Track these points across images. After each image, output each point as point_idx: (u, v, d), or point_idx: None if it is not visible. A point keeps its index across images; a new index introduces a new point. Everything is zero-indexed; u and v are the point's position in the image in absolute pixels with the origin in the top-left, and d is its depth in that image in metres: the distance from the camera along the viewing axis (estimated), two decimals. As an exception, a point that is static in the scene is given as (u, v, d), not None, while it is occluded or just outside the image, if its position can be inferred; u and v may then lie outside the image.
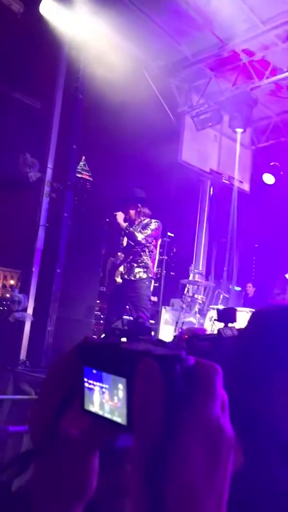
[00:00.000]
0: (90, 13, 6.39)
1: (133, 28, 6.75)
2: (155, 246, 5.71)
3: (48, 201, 6.38)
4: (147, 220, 5.64)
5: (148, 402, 0.38)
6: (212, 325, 6.12)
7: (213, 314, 6.54)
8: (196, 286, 7.91)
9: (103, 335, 5.60)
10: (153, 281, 5.79)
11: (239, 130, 8.00)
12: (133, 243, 5.53)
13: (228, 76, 7.95)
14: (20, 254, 6.39)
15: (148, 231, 5.51)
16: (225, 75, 7.95)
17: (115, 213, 5.66)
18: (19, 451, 4.52)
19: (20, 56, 6.43)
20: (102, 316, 9.23)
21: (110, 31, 6.63)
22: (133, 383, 0.39)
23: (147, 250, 5.54)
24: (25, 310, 5.93)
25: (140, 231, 5.49)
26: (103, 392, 0.43)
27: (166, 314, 7.43)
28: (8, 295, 6.58)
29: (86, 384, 0.45)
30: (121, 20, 6.53)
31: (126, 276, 5.53)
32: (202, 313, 7.25)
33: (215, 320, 5.52)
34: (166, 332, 7.01)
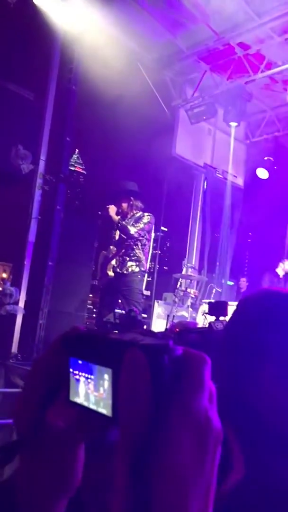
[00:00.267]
0: (84, 4, 6.34)
1: (128, 20, 6.70)
2: (148, 240, 5.69)
3: (41, 194, 6.35)
4: (139, 213, 5.62)
5: (134, 393, 0.37)
6: (204, 319, 6.13)
7: (205, 308, 6.55)
8: (189, 280, 7.92)
9: (95, 329, 5.60)
10: (146, 275, 5.78)
11: (234, 124, 7.99)
12: (125, 237, 5.51)
13: (223, 70, 7.92)
14: (12, 247, 6.36)
15: (141, 225, 5.49)
16: (220, 68, 7.93)
17: (107, 206, 5.63)
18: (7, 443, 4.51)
19: (13, 47, 6.36)
20: (94, 309, 9.22)
21: (104, 23, 6.58)
22: (119, 373, 0.38)
23: (139, 244, 5.52)
24: (16, 303, 5.91)
25: (132, 225, 5.47)
26: (89, 383, 0.42)
27: (158, 308, 7.44)
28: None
29: (72, 375, 0.44)
30: (116, 11, 6.48)
31: (118, 270, 5.52)
32: (195, 307, 7.26)
33: (206, 313, 5.52)
34: (159, 326, 7.02)
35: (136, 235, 5.44)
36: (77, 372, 0.43)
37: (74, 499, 0.47)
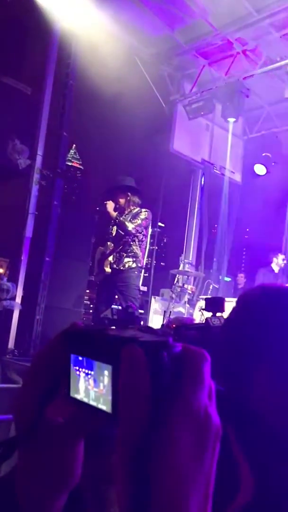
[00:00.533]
0: (82, -2, 6.30)
1: (126, 15, 6.67)
2: (145, 236, 5.68)
3: (38, 189, 6.33)
4: (137, 209, 5.61)
5: (133, 389, 0.37)
6: (201, 315, 6.13)
7: (202, 304, 6.55)
8: (186, 277, 7.92)
9: (92, 325, 5.59)
10: (142, 271, 5.78)
11: (231, 120, 7.97)
12: (123, 233, 5.50)
13: (221, 65, 7.90)
14: (9, 242, 6.34)
15: (138, 221, 5.48)
16: (218, 64, 7.91)
17: (105, 202, 5.62)
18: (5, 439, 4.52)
19: (10, 41, 6.32)
20: (91, 305, 9.22)
21: (102, 17, 6.55)
22: (119, 370, 0.38)
23: (136, 240, 5.52)
24: (13, 298, 5.90)
25: (130, 221, 5.46)
26: (89, 379, 0.42)
27: (155, 304, 7.44)
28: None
29: (72, 371, 0.44)
30: (114, 6, 6.45)
31: (115, 266, 5.51)
32: (192, 303, 7.27)
33: (203, 309, 5.53)
34: (155, 322, 7.02)
35: (133, 231, 5.44)
36: (77, 368, 0.43)
37: (72, 494, 0.48)
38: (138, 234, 5.50)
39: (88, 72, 6.54)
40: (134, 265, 5.48)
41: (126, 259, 5.48)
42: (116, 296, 5.65)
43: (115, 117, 6.95)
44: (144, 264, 5.85)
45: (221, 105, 7.92)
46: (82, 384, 0.43)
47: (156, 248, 8.99)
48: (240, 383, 0.74)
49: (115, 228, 5.65)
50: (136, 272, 5.51)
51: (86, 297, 8.43)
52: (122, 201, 5.64)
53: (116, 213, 5.54)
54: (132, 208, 5.62)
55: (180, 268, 7.56)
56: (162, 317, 6.78)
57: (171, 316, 6.11)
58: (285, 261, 7.92)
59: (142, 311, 7.23)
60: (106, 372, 0.40)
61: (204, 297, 6.95)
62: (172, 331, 1.98)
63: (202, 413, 0.38)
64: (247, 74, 7.46)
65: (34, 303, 6.06)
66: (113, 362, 0.39)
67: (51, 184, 6.42)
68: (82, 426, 0.46)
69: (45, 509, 0.45)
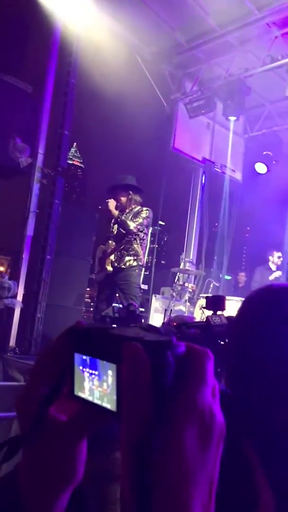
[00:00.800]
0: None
1: (127, 13, 6.67)
2: (146, 234, 5.69)
3: (39, 187, 6.33)
4: (138, 208, 5.61)
5: (135, 387, 0.37)
6: (201, 314, 6.14)
7: (203, 302, 6.56)
8: (187, 275, 7.93)
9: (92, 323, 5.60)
10: (143, 269, 5.78)
11: (232, 118, 7.96)
12: (124, 232, 5.50)
13: (222, 63, 7.89)
14: (10, 241, 6.35)
15: (140, 220, 5.48)
16: (219, 62, 7.89)
17: (107, 200, 5.62)
18: (8, 437, 4.54)
19: (11, 39, 6.32)
20: (91, 303, 9.23)
21: (104, 16, 6.54)
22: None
23: (138, 238, 5.52)
24: (14, 296, 5.90)
25: (131, 220, 5.46)
26: (93, 378, 0.42)
27: (156, 302, 7.45)
28: (-3, 282, 6.54)
29: (76, 370, 0.44)
30: (115, 5, 6.45)
31: (116, 264, 5.52)
32: (192, 301, 7.28)
33: (204, 308, 5.54)
34: (156, 320, 7.03)
35: (135, 230, 5.44)
36: (81, 367, 0.44)
37: (74, 491, 0.48)
38: (139, 233, 5.51)
39: (89, 70, 6.54)
40: (135, 263, 5.49)
41: (127, 258, 5.49)
42: (117, 294, 5.65)
43: (116, 116, 6.96)
44: (145, 262, 5.85)
45: (222, 103, 7.91)
46: (86, 383, 0.43)
47: (157, 246, 8.99)
48: (250, 389, 0.73)
49: (116, 226, 5.65)
50: (137, 271, 5.52)
51: (86, 295, 8.44)
52: (123, 199, 5.64)
53: (118, 211, 5.54)
54: (133, 206, 5.62)
55: (181, 266, 7.57)
56: (162, 315, 6.79)
57: (172, 315, 6.12)
58: (281, 259, 7.89)
59: (142, 309, 7.24)
60: (110, 372, 0.40)
61: (205, 295, 6.95)
62: (175, 330, 1.99)
63: (206, 411, 0.38)
64: (248, 72, 7.45)
65: (35, 301, 6.07)
66: (117, 361, 0.39)
67: (52, 183, 6.42)
68: (86, 425, 0.46)
69: (49, 507, 0.46)
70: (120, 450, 0.38)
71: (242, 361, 0.77)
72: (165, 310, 6.22)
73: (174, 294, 7.08)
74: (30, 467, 0.46)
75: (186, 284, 7.35)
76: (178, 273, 7.57)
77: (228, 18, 6.92)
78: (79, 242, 6.72)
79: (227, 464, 0.67)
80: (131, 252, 5.50)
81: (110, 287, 5.62)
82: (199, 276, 8.22)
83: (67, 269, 6.52)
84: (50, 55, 6.53)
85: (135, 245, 5.50)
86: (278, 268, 7.85)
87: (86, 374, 0.43)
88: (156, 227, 7.70)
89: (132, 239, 5.49)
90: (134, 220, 5.46)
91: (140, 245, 5.55)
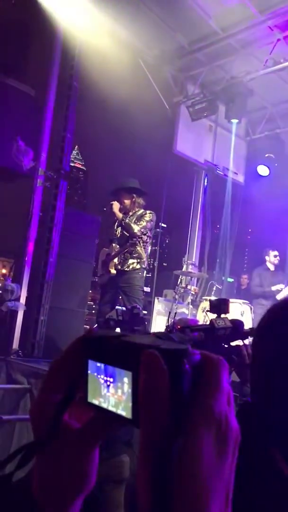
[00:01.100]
0: (86, 0, 6.31)
1: (130, 16, 6.69)
2: (149, 237, 5.70)
3: (42, 190, 6.35)
4: (141, 211, 5.62)
5: (154, 395, 0.38)
6: (204, 316, 6.14)
7: (205, 305, 6.56)
8: (189, 277, 7.93)
9: (95, 326, 5.61)
10: (144, 272, 5.79)
11: (235, 121, 7.98)
12: (128, 235, 5.51)
13: (225, 66, 7.91)
14: (13, 243, 6.37)
15: (143, 223, 5.49)
16: (222, 65, 7.91)
17: (111, 203, 5.63)
18: (11, 438, 4.54)
19: (14, 43, 6.35)
20: (94, 305, 9.24)
21: (106, 19, 6.56)
22: (139, 376, 0.39)
23: (141, 241, 5.53)
24: (17, 299, 5.92)
25: (135, 223, 5.47)
26: (108, 386, 0.42)
27: (159, 305, 7.44)
28: (0, 284, 6.56)
29: (90, 377, 0.44)
30: (117, 7, 6.46)
31: (119, 267, 5.53)
32: (195, 304, 7.27)
33: (207, 311, 5.54)
34: (159, 323, 7.04)
35: (139, 233, 5.45)
36: (95, 374, 0.44)
37: (87, 497, 0.48)
38: (142, 236, 5.52)
39: (92, 74, 6.56)
40: (138, 266, 5.50)
41: (130, 260, 5.50)
42: (120, 297, 5.66)
43: (119, 119, 6.97)
44: (147, 265, 5.86)
45: (225, 106, 7.92)
46: (100, 390, 0.43)
47: (159, 249, 8.99)
48: (278, 400, 0.73)
49: (119, 229, 5.66)
50: (140, 273, 5.53)
51: (89, 298, 8.45)
52: (127, 202, 5.65)
53: (122, 214, 5.55)
54: (136, 209, 5.63)
55: (184, 269, 7.57)
56: (165, 318, 6.79)
57: (175, 317, 6.12)
58: (277, 258, 7.76)
59: (145, 312, 7.25)
60: (126, 379, 0.40)
61: (207, 297, 6.95)
62: (188, 337, 1.99)
63: (223, 419, 0.38)
64: (250, 75, 7.47)
65: (38, 304, 6.08)
66: (133, 368, 0.39)
67: (55, 186, 6.44)
68: (100, 432, 0.46)
69: None
70: (139, 459, 0.38)
71: (268, 372, 0.77)
72: (169, 313, 6.23)
73: (176, 296, 7.08)
74: (43, 474, 0.46)
75: (188, 287, 7.36)
76: (180, 276, 7.58)
77: (230, 21, 6.94)
78: (81, 245, 6.73)
79: (259, 476, 0.66)
80: (134, 255, 5.51)
81: (113, 289, 5.62)
82: (202, 278, 8.22)
83: (70, 271, 6.53)
84: (53, 59, 6.55)
85: (138, 248, 5.51)
86: (276, 267, 7.75)
87: (101, 381, 0.43)
88: (158, 229, 7.69)
89: (136, 242, 5.50)
90: (138, 223, 5.48)
91: (144, 248, 5.56)
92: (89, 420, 0.46)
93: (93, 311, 8.71)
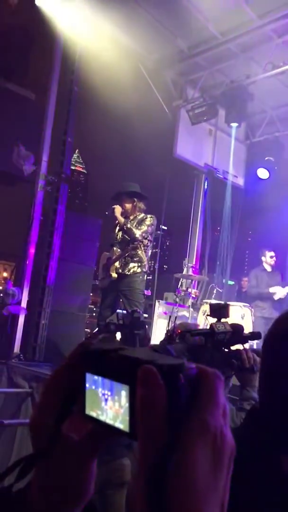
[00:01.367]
0: (86, 5, 6.35)
1: (130, 21, 6.72)
2: (150, 241, 5.71)
3: (43, 194, 6.38)
4: (142, 215, 5.64)
5: (151, 410, 0.38)
6: (205, 320, 6.15)
7: (206, 308, 6.57)
8: (190, 280, 7.93)
9: (96, 329, 5.62)
10: (146, 275, 5.80)
11: (234, 125, 7.99)
12: (129, 238, 5.53)
13: (224, 70, 7.94)
14: (14, 247, 6.39)
15: (144, 227, 5.51)
16: (221, 69, 7.94)
17: (113, 207, 5.64)
18: (12, 443, 4.55)
19: (15, 48, 6.39)
20: (94, 309, 9.25)
21: (106, 24, 6.59)
22: (136, 390, 0.39)
23: (142, 245, 5.55)
24: (19, 303, 5.93)
25: (136, 227, 5.49)
26: (106, 399, 0.43)
27: (160, 308, 7.45)
28: (1, 288, 6.58)
29: (88, 390, 0.45)
30: (118, 12, 6.49)
31: (120, 271, 5.54)
32: (196, 307, 7.28)
33: (207, 315, 5.55)
34: (160, 326, 7.04)
35: (140, 238, 5.47)
36: (93, 387, 0.44)
37: (86, 505, 0.49)
38: (144, 240, 5.54)
39: (92, 78, 6.59)
40: (139, 270, 5.51)
41: (131, 264, 5.51)
42: (121, 300, 5.68)
43: (119, 123, 7.00)
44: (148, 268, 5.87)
45: (224, 110, 7.95)
46: (98, 403, 0.43)
47: (159, 251, 9.01)
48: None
49: (120, 233, 5.68)
50: (140, 277, 5.54)
51: (90, 301, 8.46)
52: (128, 206, 5.67)
53: (124, 219, 5.57)
54: (137, 213, 5.65)
55: (184, 272, 7.58)
56: (166, 321, 6.81)
57: (176, 321, 6.13)
58: (273, 258, 7.60)
59: (146, 315, 7.26)
60: (123, 393, 0.41)
61: (208, 301, 6.96)
62: (187, 353, 2.01)
63: (218, 433, 0.39)
64: (250, 79, 7.49)
65: (40, 307, 6.10)
66: (131, 382, 0.40)
67: (56, 189, 6.47)
68: (98, 444, 0.47)
69: None
70: (136, 471, 0.39)
71: (276, 379, 0.78)
72: (170, 316, 6.24)
73: (177, 299, 7.09)
74: (42, 484, 0.47)
75: (189, 290, 7.37)
76: (181, 279, 7.59)
77: (230, 25, 6.97)
78: (82, 248, 6.75)
79: (267, 482, 0.66)
80: (135, 259, 5.52)
81: (114, 293, 5.63)
82: (202, 281, 8.22)
83: (71, 275, 6.55)
84: (53, 64, 6.59)
85: (139, 252, 5.53)
86: (273, 268, 7.65)
87: (99, 394, 0.43)
88: (158, 232, 7.70)
89: (137, 245, 5.52)
90: (139, 227, 5.49)
91: (145, 251, 5.57)
92: (87, 433, 0.47)
93: (94, 315, 8.72)
